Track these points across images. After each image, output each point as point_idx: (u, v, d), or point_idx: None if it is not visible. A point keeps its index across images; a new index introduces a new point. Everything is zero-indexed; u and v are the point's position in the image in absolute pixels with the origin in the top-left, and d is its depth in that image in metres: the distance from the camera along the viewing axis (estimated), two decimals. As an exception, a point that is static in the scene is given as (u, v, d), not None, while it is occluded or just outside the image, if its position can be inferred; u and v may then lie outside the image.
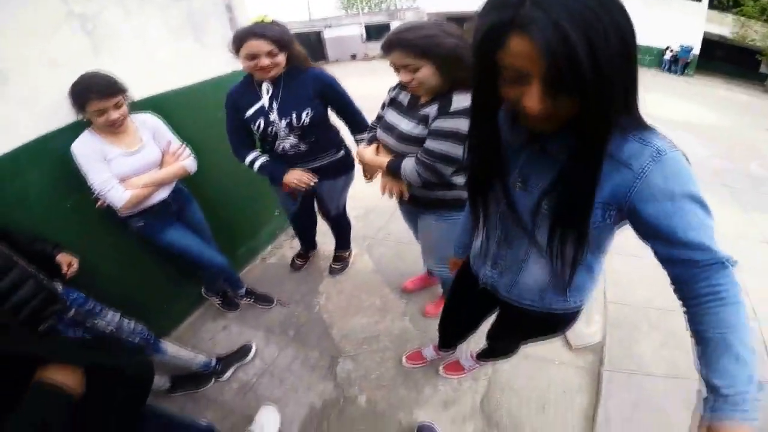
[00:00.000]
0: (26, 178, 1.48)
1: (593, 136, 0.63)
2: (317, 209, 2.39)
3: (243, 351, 2.04)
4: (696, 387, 0.68)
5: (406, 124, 1.41)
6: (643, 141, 0.68)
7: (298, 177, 1.87)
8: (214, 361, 1.91)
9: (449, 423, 1.73)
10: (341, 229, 2.53)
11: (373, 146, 1.57)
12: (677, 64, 16.87)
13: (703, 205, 0.68)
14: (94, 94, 1.40)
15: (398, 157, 1.46)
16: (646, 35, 17.17)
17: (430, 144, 1.32)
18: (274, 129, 1.75)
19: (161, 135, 1.74)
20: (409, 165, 1.40)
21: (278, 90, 1.71)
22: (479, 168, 0.86)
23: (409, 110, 1.42)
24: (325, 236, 2.75)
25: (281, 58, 1.64)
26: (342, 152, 2.00)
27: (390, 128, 1.48)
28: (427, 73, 1.24)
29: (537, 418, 1.75)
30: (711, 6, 16.64)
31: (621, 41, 0.56)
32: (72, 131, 1.52)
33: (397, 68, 1.30)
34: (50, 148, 1.53)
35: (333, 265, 2.64)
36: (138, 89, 1.72)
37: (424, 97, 1.37)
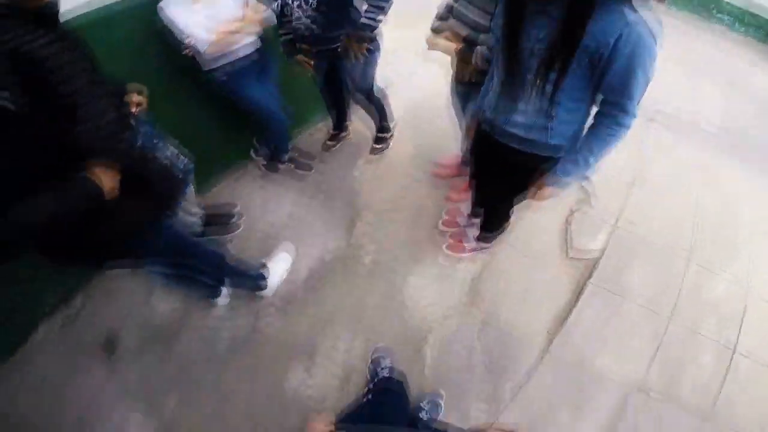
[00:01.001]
0: (125, 25, 1.68)
1: None
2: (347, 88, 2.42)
3: (226, 217, 2.21)
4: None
5: (477, 14, 1.61)
6: (623, 12, 0.94)
7: (298, 61, 2.10)
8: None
9: (437, 293, 2.02)
10: (375, 108, 2.57)
11: (443, 35, 1.77)
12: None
13: (648, 74, 1.01)
14: None
15: (470, 45, 1.66)
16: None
17: None
18: (289, 9, 1.86)
19: None
20: (479, 51, 1.62)
21: None
22: (512, 23, 1.10)
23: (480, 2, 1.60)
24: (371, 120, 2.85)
25: None
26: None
27: (462, 17, 1.67)
28: None
29: (515, 305, 2.01)
30: None
31: None
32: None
33: None
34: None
35: (374, 145, 2.76)
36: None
37: None
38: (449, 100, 2.11)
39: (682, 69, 6.39)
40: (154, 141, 1.67)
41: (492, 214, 1.92)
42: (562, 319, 1.97)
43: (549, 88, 1.09)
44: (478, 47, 1.62)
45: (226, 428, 1.64)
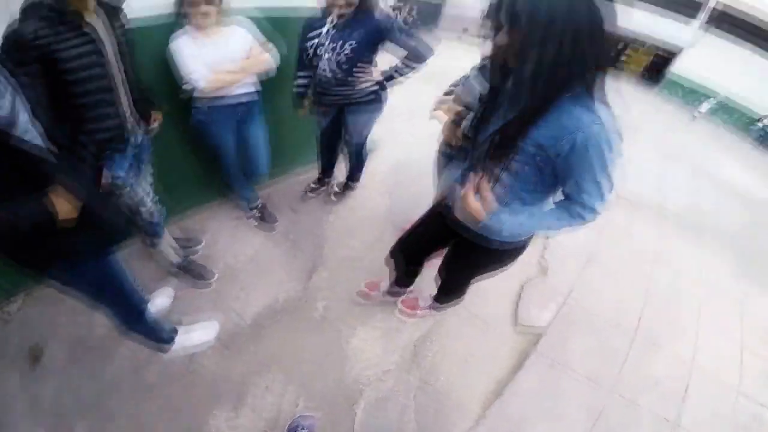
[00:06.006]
0: (156, 44, 1.75)
1: (541, 91, 0.92)
2: (343, 136, 2.55)
3: (200, 272, 2.14)
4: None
5: (485, 89, 1.65)
6: (583, 110, 0.92)
7: (302, 107, 2.31)
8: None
9: (381, 349, 2.01)
10: (357, 160, 2.73)
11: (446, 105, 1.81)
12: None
13: (607, 171, 0.98)
14: None
15: (466, 111, 1.69)
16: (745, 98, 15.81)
17: None
18: (321, 51, 2.04)
19: (249, 36, 1.88)
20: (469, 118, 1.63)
21: (340, 23, 1.99)
22: (487, 109, 1.17)
23: None
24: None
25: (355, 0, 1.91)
26: (373, 89, 2.21)
27: (470, 87, 1.76)
28: None
29: (456, 369, 1.99)
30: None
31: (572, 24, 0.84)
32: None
33: None
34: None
35: (336, 191, 2.88)
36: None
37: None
38: (432, 164, 2.20)
39: (655, 154, 6.75)
40: (145, 155, 1.73)
41: (447, 284, 1.90)
42: (502, 386, 1.96)
43: (503, 178, 1.11)
44: (470, 115, 1.66)
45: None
